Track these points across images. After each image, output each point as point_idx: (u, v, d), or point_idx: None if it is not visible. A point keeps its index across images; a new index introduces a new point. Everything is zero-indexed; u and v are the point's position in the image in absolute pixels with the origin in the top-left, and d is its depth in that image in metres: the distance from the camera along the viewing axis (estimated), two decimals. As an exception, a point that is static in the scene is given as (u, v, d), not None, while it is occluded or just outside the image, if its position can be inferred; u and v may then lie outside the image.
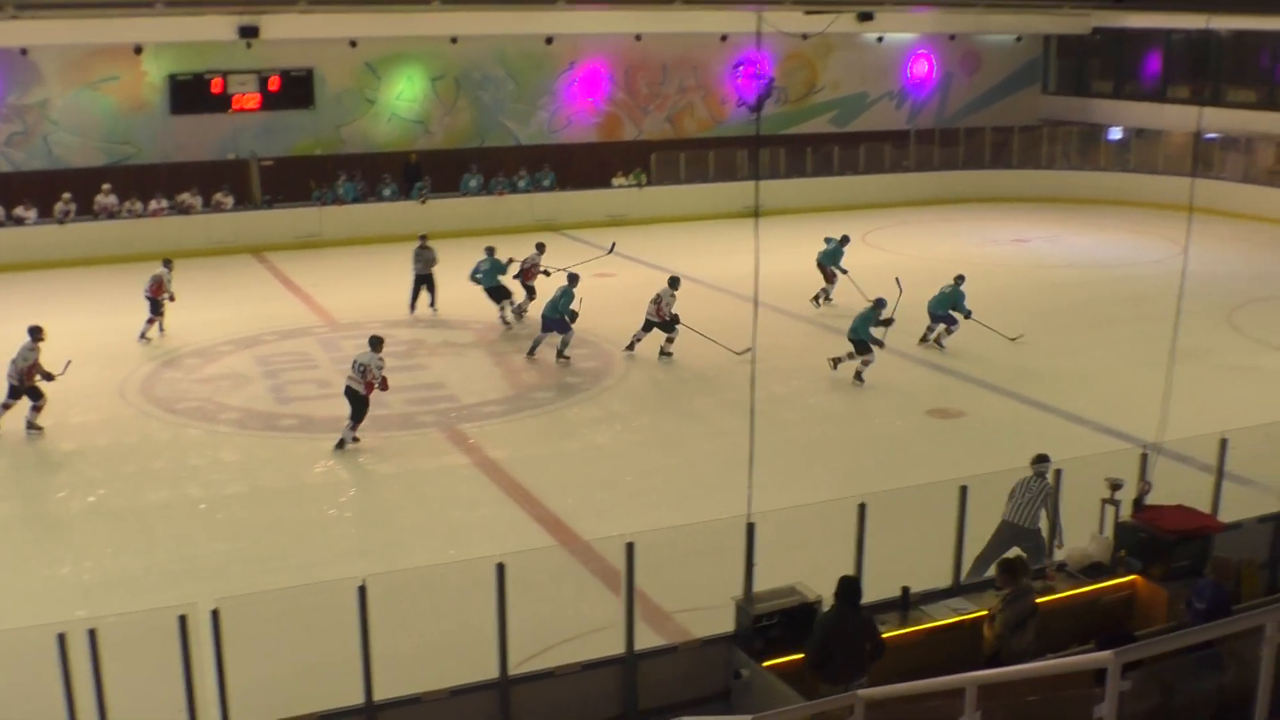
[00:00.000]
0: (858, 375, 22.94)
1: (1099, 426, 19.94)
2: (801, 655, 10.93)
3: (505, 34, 38.94)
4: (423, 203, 37.39)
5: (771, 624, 11.13)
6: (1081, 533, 13.26)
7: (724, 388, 22.19)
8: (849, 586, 10.75)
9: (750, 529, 11.27)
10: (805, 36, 40.87)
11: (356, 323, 27.02)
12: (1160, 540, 12.68)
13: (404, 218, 36.21)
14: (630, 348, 24.57)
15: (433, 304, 28.45)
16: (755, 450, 12.01)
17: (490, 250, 27.38)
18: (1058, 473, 13.87)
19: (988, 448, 18.87)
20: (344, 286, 30.75)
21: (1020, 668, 7.40)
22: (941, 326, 25.43)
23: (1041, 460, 14.24)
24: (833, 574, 11.90)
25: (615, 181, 40.53)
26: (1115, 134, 46.84)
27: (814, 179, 42.63)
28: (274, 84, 37.43)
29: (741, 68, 43.35)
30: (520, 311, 27.51)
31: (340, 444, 19.39)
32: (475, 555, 13.00)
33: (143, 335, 25.86)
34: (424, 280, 28.31)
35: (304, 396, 22.18)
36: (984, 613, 11.47)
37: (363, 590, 9.92)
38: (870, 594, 11.22)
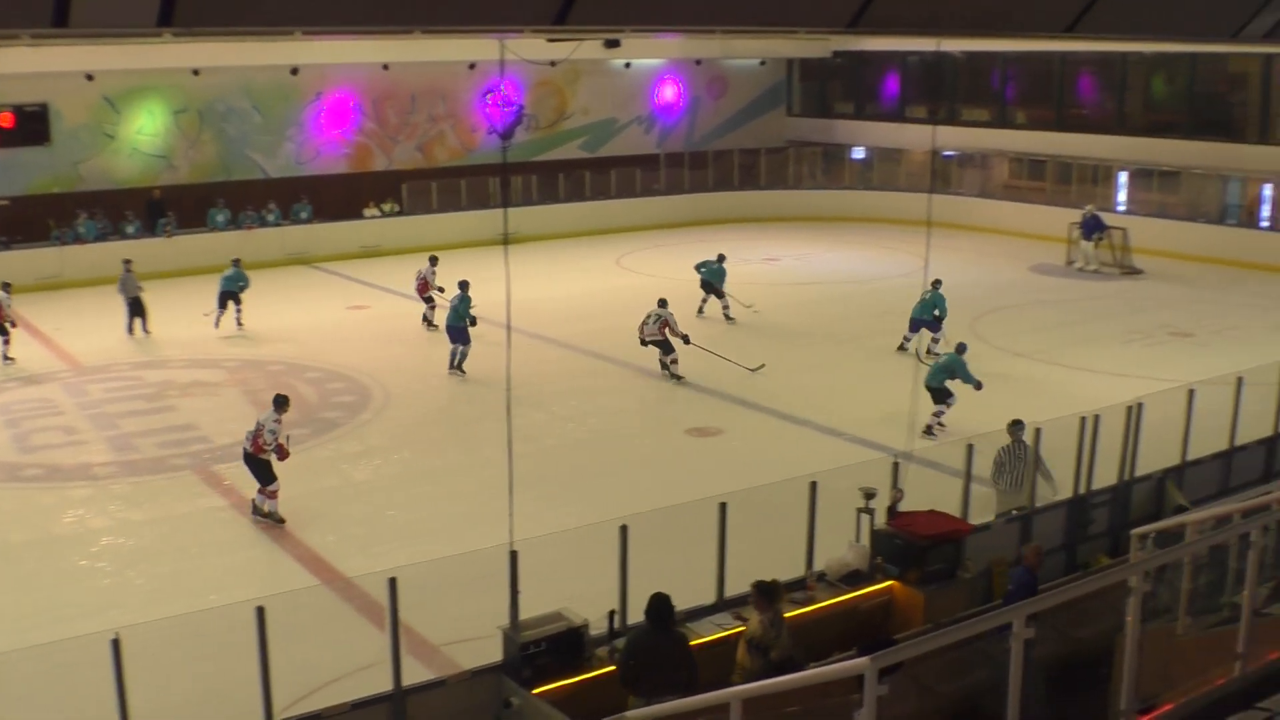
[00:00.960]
0: (929, 429, 20.86)
1: (852, 438, 20.47)
2: (572, 679, 10.97)
3: (248, 65, 38.12)
4: (169, 238, 36.31)
5: (539, 651, 11.10)
6: (839, 542, 13.57)
7: (482, 417, 22.07)
8: (658, 604, 10.78)
9: (513, 557, 11.22)
10: (553, 63, 41.08)
11: (103, 366, 26.12)
12: (914, 545, 13.07)
13: (149, 255, 35.05)
14: (673, 374, 24.55)
15: (145, 328, 28.85)
16: (518, 477, 11.99)
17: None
18: (1037, 431, 14.84)
19: (747, 464, 19.19)
20: (88, 329, 29.63)
21: (782, 679, 7.52)
22: (926, 334, 25.86)
23: (1017, 425, 15.56)
24: (599, 598, 11.96)
25: (367, 212, 40.08)
26: (858, 153, 48.34)
27: (567, 204, 42.87)
28: (6, 120, 35.88)
29: (491, 95, 43.35)
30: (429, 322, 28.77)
31: (255, 510, 17.72)
32: (236, 600, 12.64)
33: None
34: (134, 305, 28.85)
35: (49, 445, 21.28)
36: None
37: (116, 644, 9.54)
38: (635, 613, 11.28)
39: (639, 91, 46.98)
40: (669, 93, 47.63)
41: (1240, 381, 17.71)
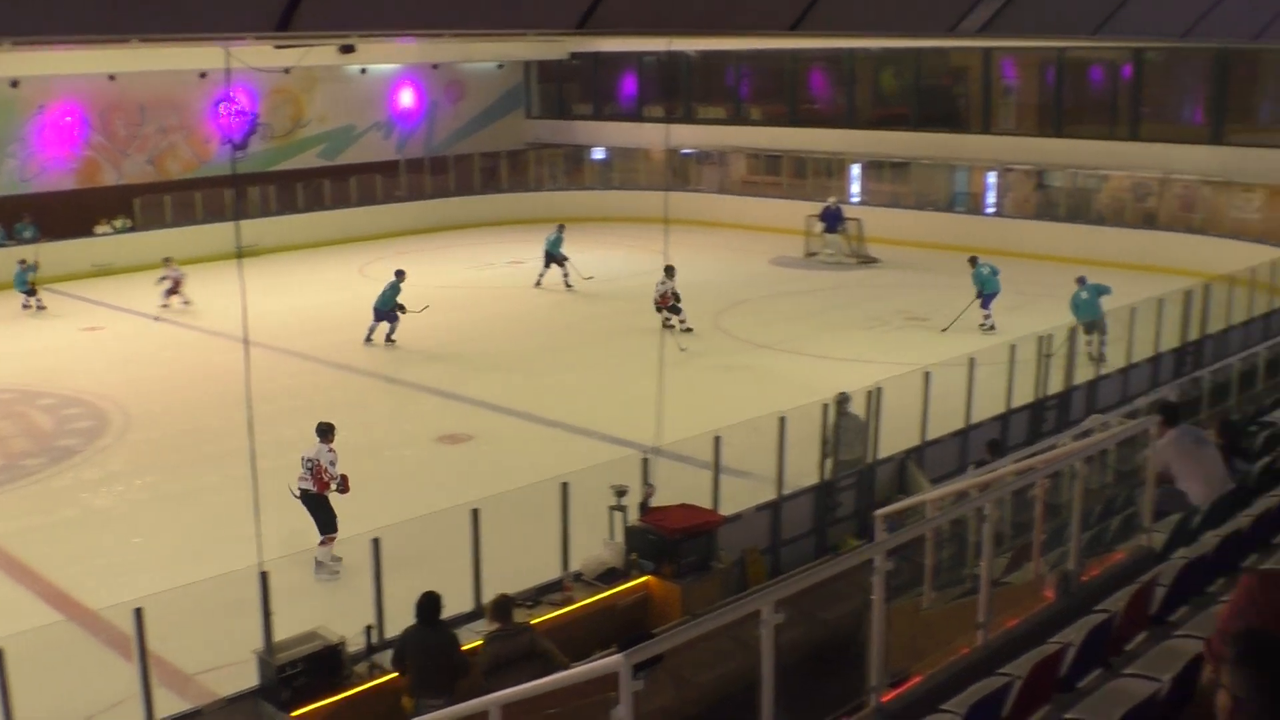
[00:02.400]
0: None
1: (604, 436, 20.60)
2: (332, 699, 10.80)
3: (-41, 78, 36.38)
4: (-121, 263, 34.42)
5: (296, 672, 10.88)
6: (594, 541, 13.66)
7: (228, 435, 21.43)
8: (426, 603, 10.69)
9: (263, 578, 10.98)
10: (287, 70, 40.32)
11: None
12: (667, 540, 13.24)
13: None
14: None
15: None
16: (268, 496, 11.74)
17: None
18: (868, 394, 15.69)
19: (499, 469, 19.14)
20: None
21: (540, 682, 7.52)
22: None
23: (844, 398, 16.56)
24: (356, 614, 11.79)
25: (98, 229, 38.64)
26: (598, 154, 48.74)
27: (307, 214, 42.05)
28: None
29: (223, 105, 42.29)
30: None
31: (319, 567, 15.71)
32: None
33: None
34: None
35: None
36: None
37: None
38: (393, 627, 11.15)
39: (376, 97, 46.47)
40: (407, 98, 47.27)
41: (972, 362, 18.44)
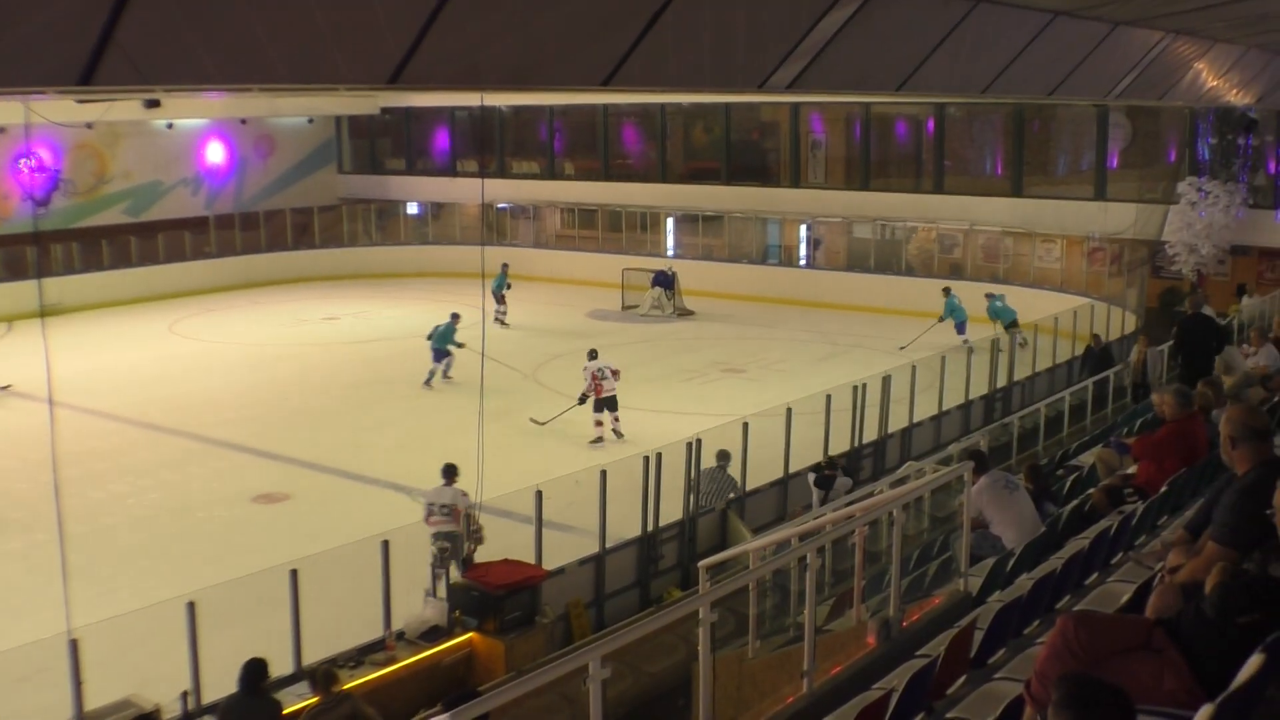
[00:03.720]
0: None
1: (424, 493, 20.35)
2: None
3: None
4: None
5: (107, 744, 10.49)
6: (416, 599, 13.47)
7: (34, 500, 20.65)
8: (250, 670, 10.41)
9: (73, 646, 10.57)
10: (89, 125, 39.31)
11: None
12: (490, 596, 13.11)
13: None
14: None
15: None
16: (76, 562, 11.32)
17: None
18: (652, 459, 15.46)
19: (318, 526, 18.78)
20: None
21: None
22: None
23: (724, 456, 17.47)
24: (172, 680, 11.41)
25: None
26: (413, 209, 48.45)
27: (112, 271, 40.89)
28: None
29: (24, 160, 41.02)
30: None
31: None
32: None
33: None
34: None
35: None
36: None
37: None
38: (210, 691, 10.83)
39: (184, 152, 45.57)
40: (216, 153, 46.44)
41: (789, 412, 18.67)
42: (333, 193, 49.65)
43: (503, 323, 34.64)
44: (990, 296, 31.06)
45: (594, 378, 23.92)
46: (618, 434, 23.58)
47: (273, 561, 13.88)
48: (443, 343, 28.61)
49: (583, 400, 24.04)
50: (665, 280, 37.33)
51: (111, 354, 31.58)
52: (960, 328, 30.46)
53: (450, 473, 15.97)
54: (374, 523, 15.10)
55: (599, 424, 23.69)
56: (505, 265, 36.56)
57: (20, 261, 39.05)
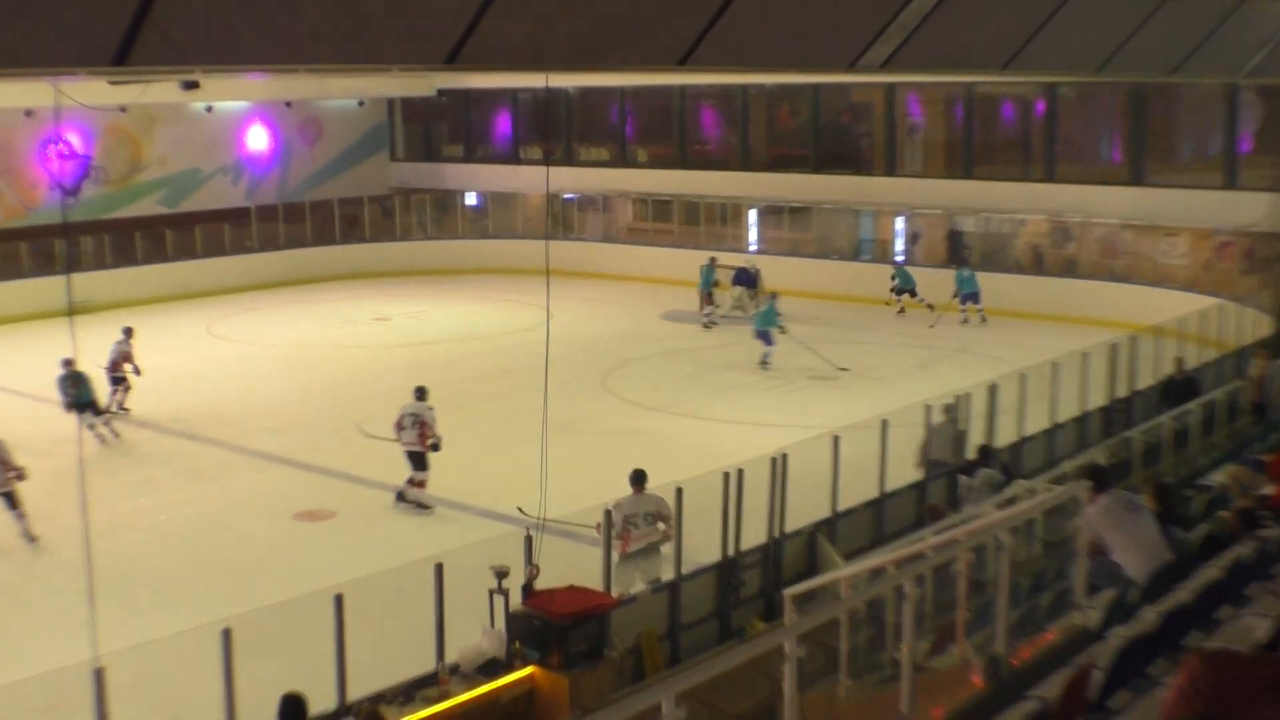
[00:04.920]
0: None
1: (481, 511, 20.41)
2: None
3: None
4: None
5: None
6: (472, 629, 13.45)
7: (57, 513, 20.82)
8: (288, 706, 10.50)
9: (98, 675, 10.65)
10: (123, 109, 39.78)
11: None
12: (554, 626, 13.05)
13: None
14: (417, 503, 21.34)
15: None
16: (101, 582, 11.42)
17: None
18: (678, 491, 15.29)
19: (364, 548, 18.85)
20: None
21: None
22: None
23: (951, 409, 19.01)
24: (203, 712, 11.47)
25: (-94, 286, 37.76)
26: (471, 199, 48.65)
27: (146, 266, 41.42)
28: None
29: (53, 146, 41.60)
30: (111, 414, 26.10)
31: (400, 497, 21.01)
32: None
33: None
34: None
35: None
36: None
37: None
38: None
39: (224, 138, 46.06)
40: (258, 138, 46.89)
41: (885, 424, 18.51)
42: (384, 182, 49.97)
43: (711, 324, 35.56)
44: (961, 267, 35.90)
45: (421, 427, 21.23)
46: (404, 499, 21.22)
47: (315, 585, 13.91)
48: (767, 324, 30.29)
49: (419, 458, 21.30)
50: (747, 278, 37.23)
51: (143, 356, 31.85)
52: (966, 299, 34.69)
53: (640, 479, 16.46)
54: (426, 544, 15.14)
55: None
56: (713, 259, 37.35)
57: (48, 255, 39.59)
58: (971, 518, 13.19)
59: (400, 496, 20.98)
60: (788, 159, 44.08)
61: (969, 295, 35.03)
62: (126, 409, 26.91)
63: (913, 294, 36.12)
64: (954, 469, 18.85)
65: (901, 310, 36.48)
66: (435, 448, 20.96)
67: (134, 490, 22.28)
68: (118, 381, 27.03)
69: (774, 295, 32.00)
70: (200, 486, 22.68)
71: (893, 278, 36.91)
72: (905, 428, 19.41)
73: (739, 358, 31.50)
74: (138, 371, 27.16)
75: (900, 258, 39.56)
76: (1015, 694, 7.96)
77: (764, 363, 30.32)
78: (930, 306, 35.57)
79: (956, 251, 38.83)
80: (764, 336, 30.50)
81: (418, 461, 21.05)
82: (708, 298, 36.33)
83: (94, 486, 18.43)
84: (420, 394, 21.49)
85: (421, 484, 21.00)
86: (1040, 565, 13.48)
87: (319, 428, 26.02)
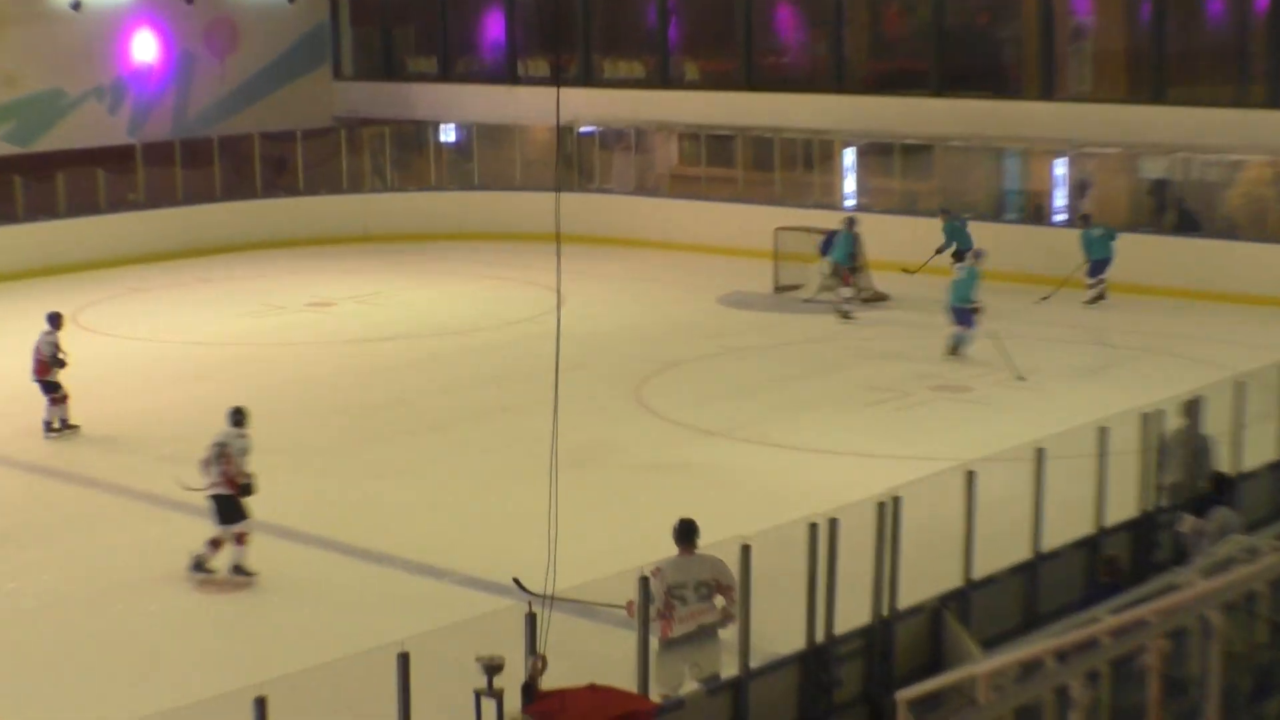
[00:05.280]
0: None
1: (463, 579, 20.34)
2: None
3: None
4: None
5: None
6: (447, 746, 13.42)
7: None
8: None
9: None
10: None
11: None
12: (567, 744, 12.99)
13: None
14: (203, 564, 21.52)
15: None
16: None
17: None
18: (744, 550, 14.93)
19: (300, 627, 18.86)
20: None
21: None
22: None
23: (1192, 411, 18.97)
24: None
25: None
26: (449, 134, 48.66)
27: (-14, 230, 41.65)
28: None
29: None
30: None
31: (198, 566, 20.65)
32: None
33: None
34: None
35: None
36: None
37: None
38: None
39: (98, 47, 46.22)
40: (146, 47, 46.93)
41: (1040, 454, 18.36)
42: (325, 110, 50.10)
43: (847, 315, 35.37)
44: (1086, 221, 36.95)
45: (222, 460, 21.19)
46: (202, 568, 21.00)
47: (229, 681, 13.89)
48: (965, 298, 31.33)
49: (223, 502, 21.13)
50: (850, 243, 37.06)
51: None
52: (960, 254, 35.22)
53: (689, 534, 16.17)
54: (386, 623, 15.04)
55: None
56: (851, 220, 36.79)
57: None
58: (1186, 584, 13.04)
59: (198, 565, 20.54)
60: (899, 77, 44.00)
61: (1100, 263, 35.79)
62: (73, 425, 27.35)
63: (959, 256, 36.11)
64: (1185, 503, 18.78)
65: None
66: (248, 490, 20.79)
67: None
68: (52, 390, 27.23)
69: (978, 254, 32.82)
70: (66, 542, 22.66)
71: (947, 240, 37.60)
72: (1070, 459, 19.24)
73: (836, 361, 31.42)
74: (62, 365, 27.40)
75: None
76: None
77: (955, 349, 31.21)
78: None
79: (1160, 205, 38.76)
80: (962, 316, 31.30)
81: (225, 510, 20.62)
82: (847, 275, 35.91)
83: None
84: (236, 417, 21.27)
85: (239, 539, 20.66)
86: (1268, 657, 13.35)
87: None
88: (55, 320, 28.17)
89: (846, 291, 35.52)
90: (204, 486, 20.84)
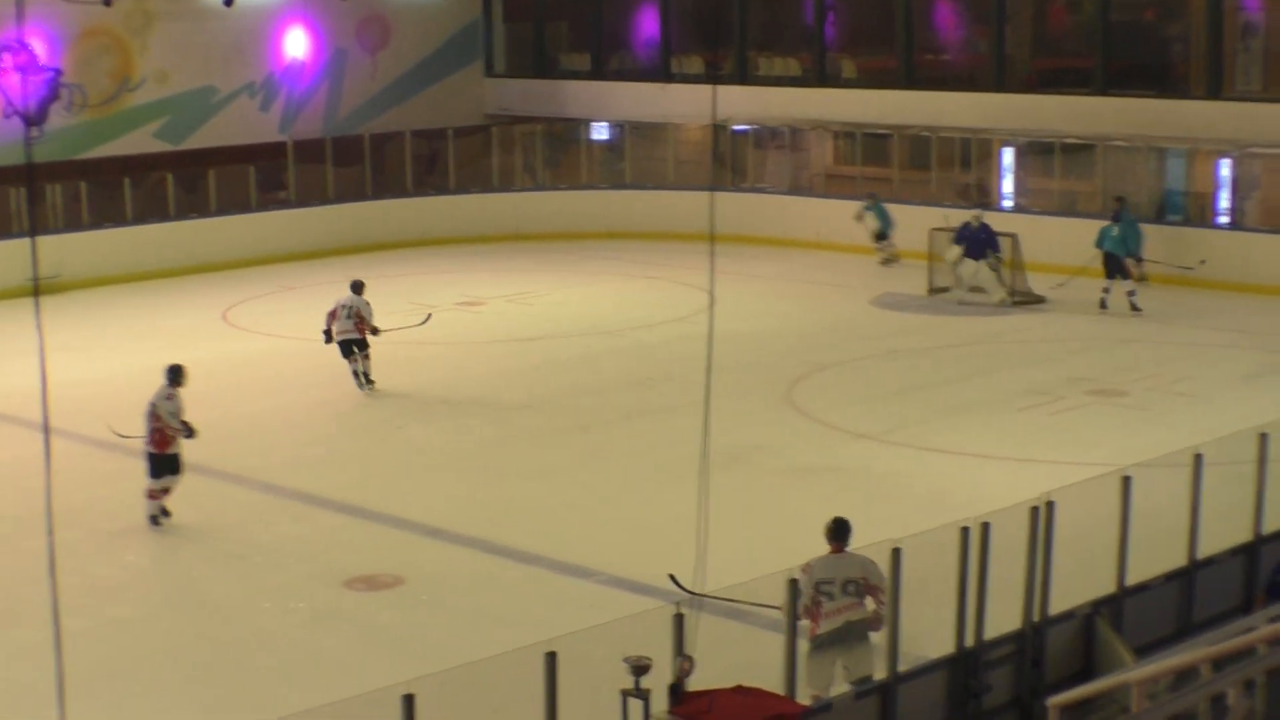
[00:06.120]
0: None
1: (610, 580, 20.44)
2: None
3: None
4: None
5: None
6: (597, 745, 13.53)
7: (16, 577, 21.30)
8: None
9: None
10: (107, 2, 40.44)
11: None
12: (714, 745, 13.07)
13: None
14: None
15: None
16: (72, 672, 11.65)
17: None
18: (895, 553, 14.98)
19: (444, 628, 19.02)
20: None
21: None
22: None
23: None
24: None
25: None
26: (601, 132, 48.78)
27: (136, 227, 42.01)
28: None
29: (9, 55, 42.38)
30: None
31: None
32: None
33: None
34: None
35: None
36: None
37: None
38: None
39: (250, 43, 46.64)
40: (297, 45, 47.33)
41: (1199, 460, 18.27)
42: (477, 108, 50.30)
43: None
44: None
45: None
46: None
47: (375, 680, 14.06)
48: (1124, 248, 35.36)
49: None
50: (974, 239, 36.68)
51: (132, 355, 32.34)
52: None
53: (842, 532, 16.23)
54: (532, 623, 15.19)
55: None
56: (873, 195, 40.87)
57: (1, 209, 40.21)
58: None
59: (154, 520, 23.26)
60: (1062, 75, 43.74)
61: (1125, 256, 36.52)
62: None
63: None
64: None
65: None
66: (189, 435, 23.36)
67: (117, 544, 22.63)
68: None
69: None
70: (209, 541, 22.94)
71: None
72: (1229, 465, 19.14)
73: (986, 363, 31.32)
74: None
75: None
76: None
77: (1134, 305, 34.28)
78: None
79: None
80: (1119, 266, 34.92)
81: (155, 466, 23.24)
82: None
83: (63, 540, 18.63)
84: (171, 375, 23.69)
85: (154, 495, 23.26)
86: None
87: (379, 460, 26.20)
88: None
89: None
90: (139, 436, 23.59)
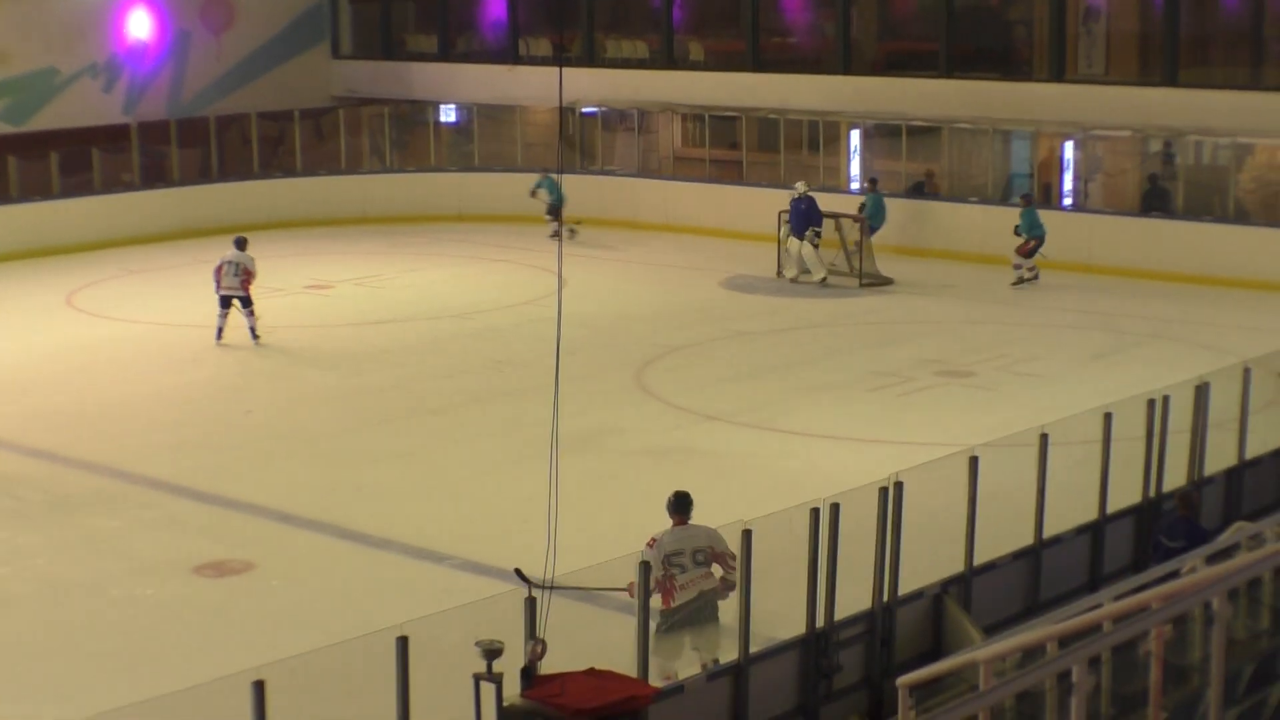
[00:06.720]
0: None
1: (461, 563, 20.44)
2: None
3: None
4: None
5: None
6: (446, 729, 13.54)
7: None
8: None
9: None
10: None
11: None
12: (565, 725, 13.10)
13: None
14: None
15: None
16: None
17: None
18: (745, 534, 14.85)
19: (295, 614, 18.94)
20: None
21: None
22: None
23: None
24: None
25: None
26: (449, 115, 48.65)
27: (-21, 211, 41.64)
28: None
29: None
30: None
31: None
32: None
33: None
34: None
35: None
36: None
37: None
38: None
39: (92, 24, 46.17)
40: (141, 25, 46.87)
41: (1045, 440, 18.48)
42: (324, 89, 50.03)
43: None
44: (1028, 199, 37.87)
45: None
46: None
47: (225, 667, 14.00)
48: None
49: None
50: (800, 215, 36.75)
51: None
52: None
53: (684, 505, 16.40)
54: (384, 608, 15.14)
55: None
56: (545, 170, 41.90)
57: None
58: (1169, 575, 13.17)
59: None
60: (907, 58, 43.98)
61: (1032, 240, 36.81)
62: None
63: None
64: None
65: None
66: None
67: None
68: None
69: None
70: (59, 530, 22.73)
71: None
72: (1075, 445, 19.37)
73: (834, 344, 31.51)
74: None
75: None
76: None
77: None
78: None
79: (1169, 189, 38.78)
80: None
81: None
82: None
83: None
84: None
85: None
86: (1268, 645, 13.47)
87: (229, 443, 26.05)
88: (244, 242, 32.81)
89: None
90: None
